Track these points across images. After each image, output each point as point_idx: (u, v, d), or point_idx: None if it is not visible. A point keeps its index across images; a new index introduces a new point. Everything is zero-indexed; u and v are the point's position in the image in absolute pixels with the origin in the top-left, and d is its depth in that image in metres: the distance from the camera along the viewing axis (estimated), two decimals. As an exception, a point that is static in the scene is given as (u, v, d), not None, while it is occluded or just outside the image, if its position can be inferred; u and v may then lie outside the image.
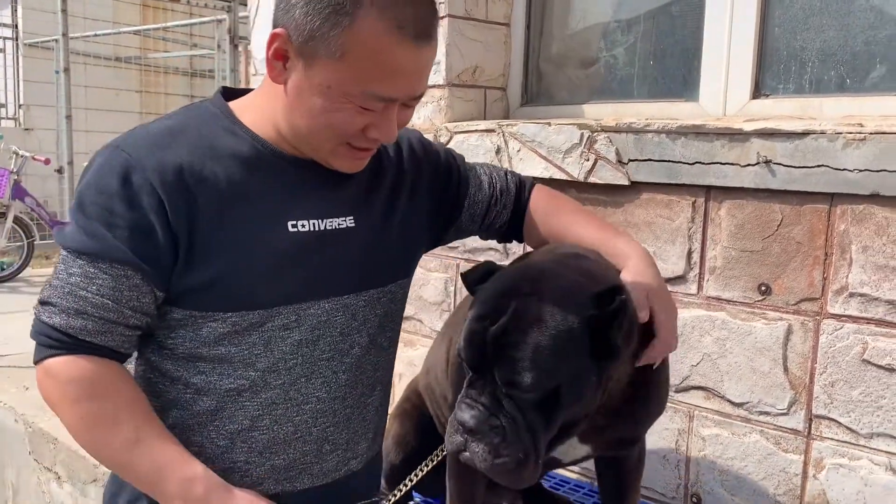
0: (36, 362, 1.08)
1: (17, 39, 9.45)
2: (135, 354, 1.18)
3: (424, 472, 1.25)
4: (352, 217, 1.20)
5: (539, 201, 1.48)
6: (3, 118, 9.07)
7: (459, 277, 1.40)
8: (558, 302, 1.18)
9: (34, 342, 1.09)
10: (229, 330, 1.11)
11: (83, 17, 8.14)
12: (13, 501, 2.79)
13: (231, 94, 1.22)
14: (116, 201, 1.04)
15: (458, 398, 1.21)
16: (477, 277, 1.28)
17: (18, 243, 5.53)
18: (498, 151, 2.27)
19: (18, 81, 9.24)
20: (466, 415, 1.16)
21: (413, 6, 1.03)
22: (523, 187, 1.51)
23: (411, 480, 1.25)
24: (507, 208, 1.48)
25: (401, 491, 1.25)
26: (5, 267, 5.46)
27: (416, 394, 1.84)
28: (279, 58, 1.06)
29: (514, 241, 1.55)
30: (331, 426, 1.21)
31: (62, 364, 1.05)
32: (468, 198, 1.44)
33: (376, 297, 1.25)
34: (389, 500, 1.26)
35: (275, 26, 1.06)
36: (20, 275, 5.48)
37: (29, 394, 2.87)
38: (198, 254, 1.07)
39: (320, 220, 1.17)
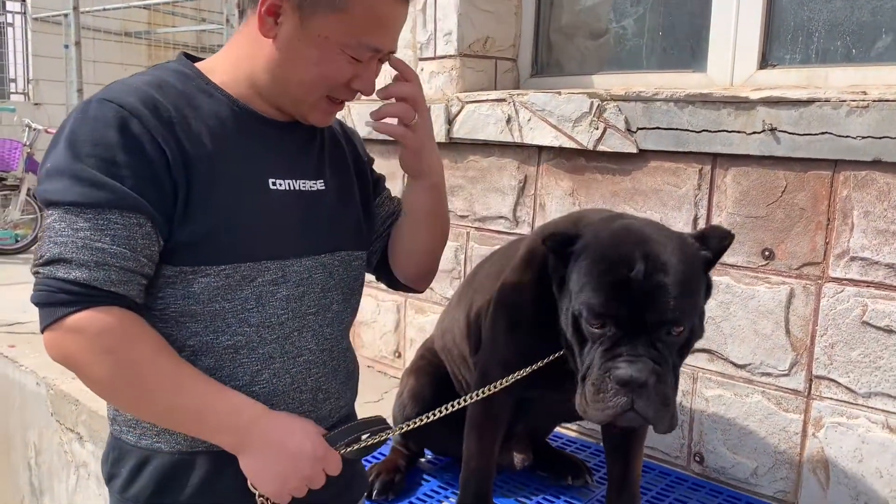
0: (50, 324, 1.05)
1: (25, 14, 9.46)
2: None
3: (438, 417, 1.30)
4: (322, 181, 1.26)
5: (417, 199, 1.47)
6: (14, 93, 9.11)
7: (541, 239, 1.34)
8: (679, 248, 1.25)
9: (41, 306, 1.06)
10: (222, 283, 1.12)
11: (89, -10, 8.14)
12: (36, 461, 2.88)
13: (192, 60, 1.25)
14: (119, 151, 1.04)
15: (592, 360, 1.23)
16: (563, 240, 1.32)
17: (32, 215, 5.59)
18: (508, 121, 2.31)
19: (28, 56, 9.26)
20: (632, 370, 1.18)
21: None
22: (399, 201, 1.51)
23: (422, 420, 1.31)
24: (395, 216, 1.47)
25: (408, 426, 1.32)
26: (19, 238, 5.53)
27: (431, 352, 1.90)
28: (272, 13, 1.11)
29: (383, 282, 1.49)
30: (322, 376, 1.26)
31: (88, 318, 1.03)
32: (380, 195, 1.45)
33: (347, 259, 1.30)
34: (400, 429, 1.33)
35: None
36: (34, 247, 5.56)
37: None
38: (191, 207, 1.09)
39: (295, 181, 1.22)
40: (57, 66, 8.72)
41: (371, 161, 1.44)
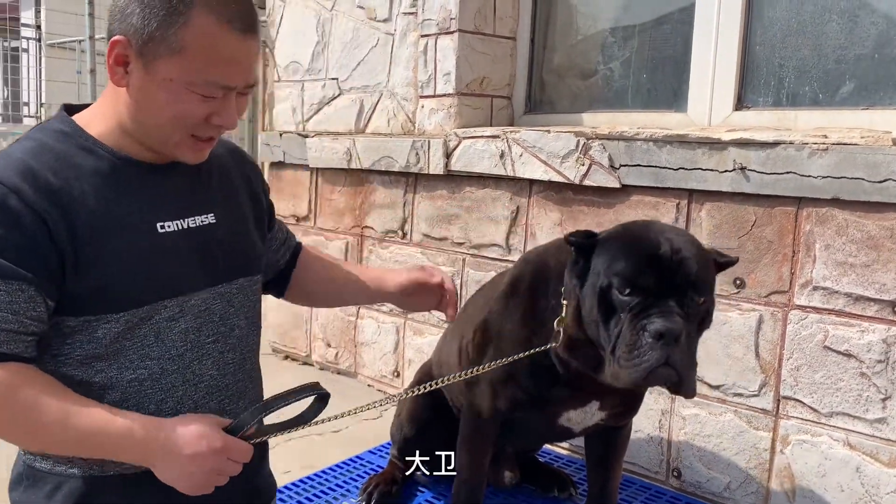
0: None
1: (40, 40, 9.73)
2: None
3: (422, 392, 1.43)
4: (212, 214, 1.32)
5: (312, 252, 1.68)
6: (27, 116, 9.34)
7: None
8: (695, 241, 1.43)
9: None
10: (123, 328, 1.20)
11: (104, 18, 8.39)
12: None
13: (72, 110, 1.32)
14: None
15: (622, 328, 1.33)
16: (585, 234, 1.45)
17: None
18: (502, 156, 2.48)
19: (41, 81, 9.51)
20: (669, 323, 1.27)
21: (236, 4, 1.19)
22: (299, 246, 1.66)
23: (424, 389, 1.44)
24: (284, 258, 1.60)
25: (410, 393, 1.50)
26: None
27: (429, 376, 2.04)
28: (120, 63, 1.19)
29: (273, 294, 1.64)
30: (225, 399, 1.34)
31: None
32: (275, 223, 1.57)
33: (246, 285, 1.38)
34: (408, 394, 1.48)
35: (111, 35, 1.19)
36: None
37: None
38: (82, 266, 1.16)
39: (183, 220, 1.27)
40: (69, 91, 8.96)
41: (267, 189, 1.53)
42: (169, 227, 1.25)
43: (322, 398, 1.27)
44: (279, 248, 1.59)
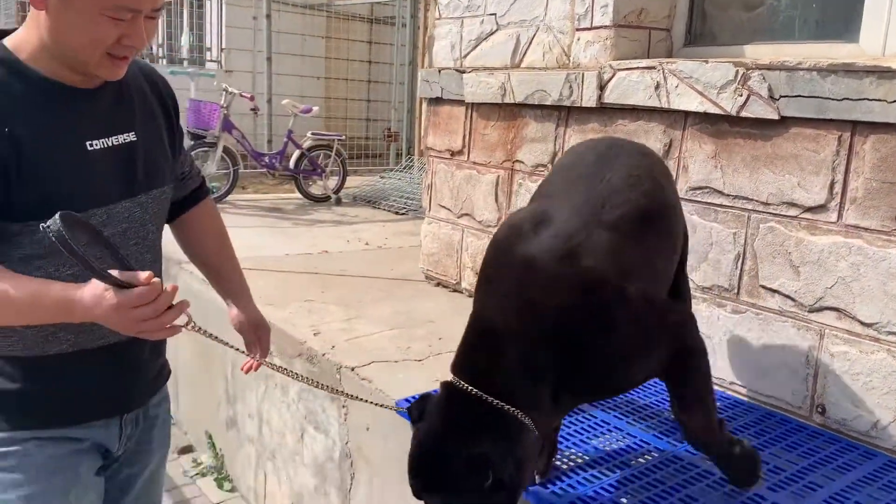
0: None
1: (220, -12, 10.41)
2: None
3: None
4: (132, 132, 1.50)
5: (208, 209, 1.84)
6: (209, 60, 10.11)
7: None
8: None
9: None
10: None
11: (279, -35, 8.85)
12: (231, 374, 3.41)
13: (1, 34, 1.43)
14: None
15: None
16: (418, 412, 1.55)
17: (225, 170, 6.31)
18: (657, 87, 2.48)
19: (222, 27, 10.22)
20: None
21: None
22: (204, 182, 1.83)
23: None
24: (184, 190, 1.75)
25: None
26: (214, 190, 6.27)
27: None
28: None
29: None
30: None
31: None
32: (182, 146, 1.72)
33: (159, 195, 1.57)
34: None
35: None
36: (226, 198, 6.28)
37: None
38: (24, 180, 1.34)
39: (108, 139, 1.46)
40: (245, 36, 9.60)
41: (177, 111, 1.69)
42: (97, 144, 1.44)
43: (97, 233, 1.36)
44: (184, 177, 1.76)
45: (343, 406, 2.59)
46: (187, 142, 6.13)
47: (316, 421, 2.77)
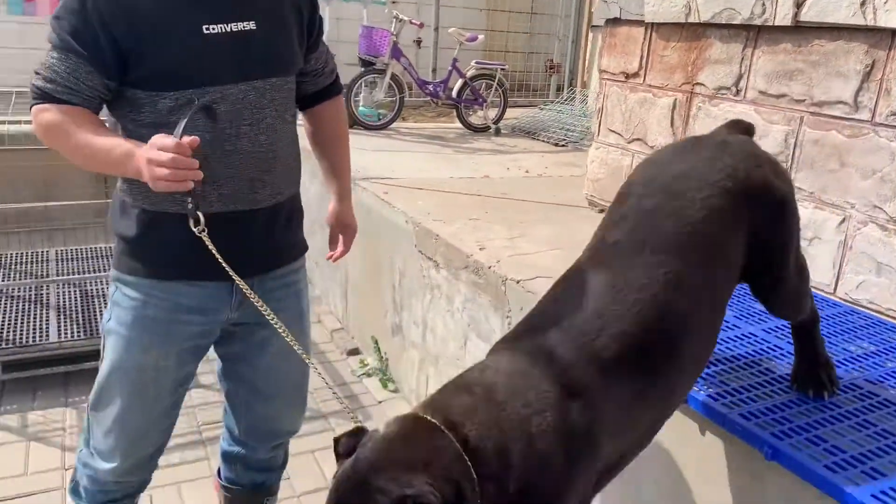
0: (30, 109, 1.61)
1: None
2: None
3: None
4: (253, 22, 1.63)
5: (335, 109, 2.02)
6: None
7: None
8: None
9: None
10: (174, 104, 1.57)
11: None
12: (399, 283, 3.61)
13: None
14: (75, 17, 1.52)
15: None
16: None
17: (392, 98, 6.49)
18: (863, 4, 2.31)
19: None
20: None
21: None
22: (337, 80, 2.00)
23: None
24: (316, 86, 1.94)
25: None
26: (381, 117, 6.49)
27: None
28: None
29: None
30: (257, 170, 1.69)
31: (42, 108, 1.58)
32: (318, 45, 1.87)
33: (278, 83, 1.70)
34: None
35: None
36: (392, 125, 6.48)
37: (417, 204, 3.63)
38: (146, 55, 1.54)
39: (227, 24, 1.60)
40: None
41: (316, 7, 1.81)
42: (214, 28, 1.59)
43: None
44: (316, 74, 1.92)
45: (507, 317, 2.69)
46: (357, 69, 6.36)
47: (479, 329, 2.90)
